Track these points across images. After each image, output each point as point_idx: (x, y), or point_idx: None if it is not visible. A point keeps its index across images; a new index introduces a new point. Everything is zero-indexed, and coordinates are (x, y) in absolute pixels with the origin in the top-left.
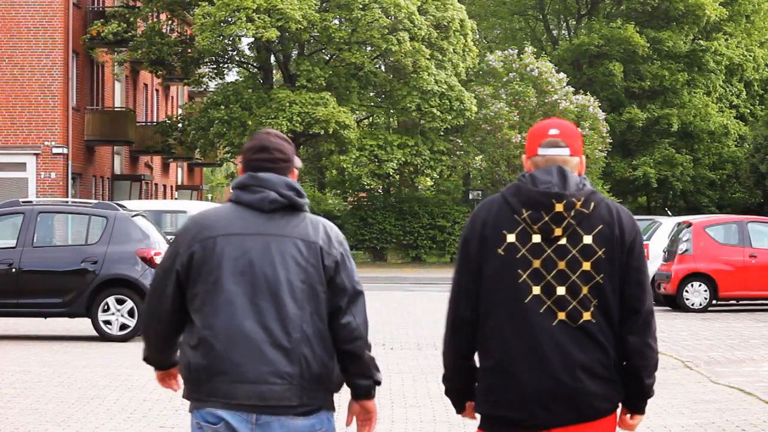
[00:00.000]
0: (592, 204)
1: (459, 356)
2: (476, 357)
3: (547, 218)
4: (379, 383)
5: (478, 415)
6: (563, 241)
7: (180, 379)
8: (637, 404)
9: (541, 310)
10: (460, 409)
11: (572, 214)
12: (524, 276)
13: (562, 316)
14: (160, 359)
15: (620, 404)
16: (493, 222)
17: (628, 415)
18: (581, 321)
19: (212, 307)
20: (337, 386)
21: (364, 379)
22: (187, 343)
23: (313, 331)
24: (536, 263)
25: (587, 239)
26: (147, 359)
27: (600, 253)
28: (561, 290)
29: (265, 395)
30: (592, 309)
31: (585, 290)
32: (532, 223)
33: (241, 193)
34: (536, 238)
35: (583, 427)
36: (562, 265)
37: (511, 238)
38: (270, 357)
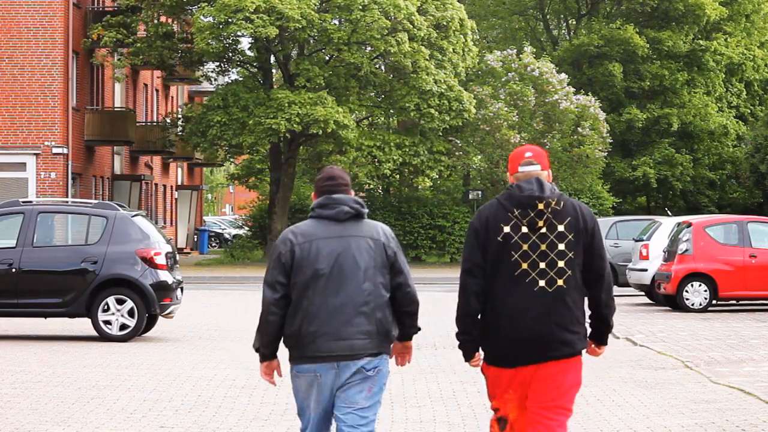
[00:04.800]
0: (562, 203)
1: (471, 315)
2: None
3: (532, 214)
4: (419, 329)
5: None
6: (544, 230)
7: (276, 376)
8: (603, 338)
9: (527, 280)
10: (469, 357)
11: (549, 210)
12: (516, 256)
13: (542, 283)
14: (271, 347)
15: (582, 351)
16: (493, 218)
17: (593, 346)
18: (555, 286)
19: (314, 290)
20: (393, 336)
21: (413, 328)
22: (297, 318)
23: (382, 300)
24: (525, 246)
25: (560, 227)
26: (259, 349)
27: (570, 236)
28: (542, 264)
29: (355, 347)
30: (564, 277)
31: (561, 264)
32: (522, 219)
33: (321, 210)
34: (524, 229)
35: (552, 364)
36: (543, 246)
37: (506, 229)
38: (356, 321)
